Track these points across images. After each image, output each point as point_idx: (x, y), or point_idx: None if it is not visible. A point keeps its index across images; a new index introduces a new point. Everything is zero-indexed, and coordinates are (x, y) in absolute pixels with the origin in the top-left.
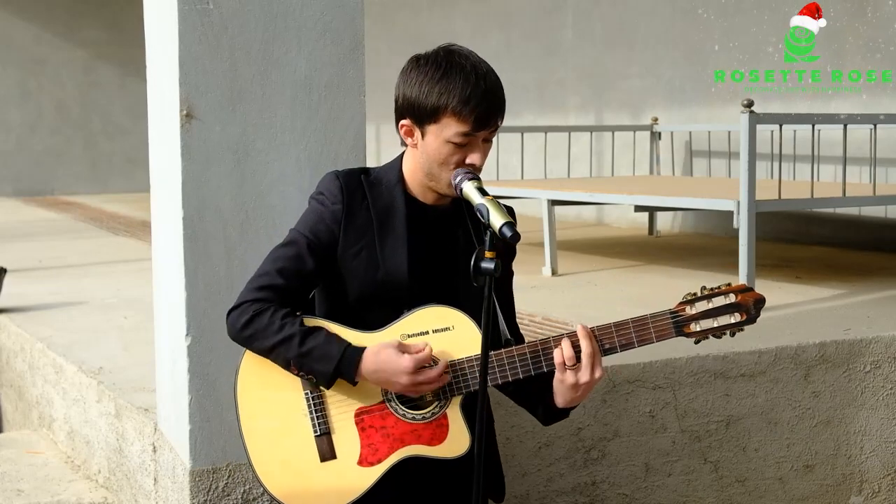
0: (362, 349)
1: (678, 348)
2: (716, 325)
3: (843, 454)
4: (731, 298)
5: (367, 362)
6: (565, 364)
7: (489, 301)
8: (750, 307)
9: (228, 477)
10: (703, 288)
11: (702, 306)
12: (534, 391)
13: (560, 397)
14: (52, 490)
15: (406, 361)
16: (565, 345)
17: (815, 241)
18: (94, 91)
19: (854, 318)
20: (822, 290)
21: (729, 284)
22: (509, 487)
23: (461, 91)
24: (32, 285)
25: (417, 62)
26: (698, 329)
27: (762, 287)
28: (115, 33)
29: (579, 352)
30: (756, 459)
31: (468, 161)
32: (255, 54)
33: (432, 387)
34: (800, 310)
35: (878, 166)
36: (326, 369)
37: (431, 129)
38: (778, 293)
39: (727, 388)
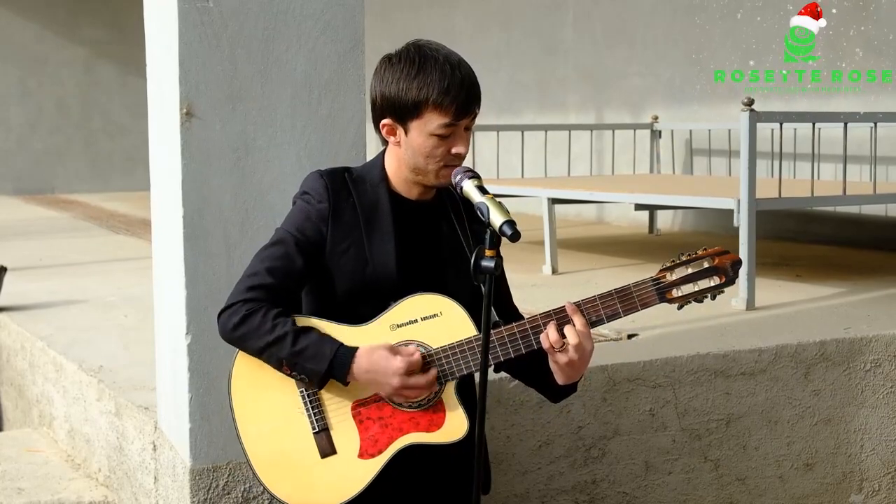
0: (355, 349)
1: (679, 347)
2: (696, 289)
3: (844, 452)
4: (709, 262)
5: (360, 361)
6: (553, 347)
7: (489, 300)
8: (727, 269)
9: (229, 475)
10: (682, 253)
11: (681, 272)
12: (536, 371)
13: (559, 376)
14: (53, 488)
15: (398, 362)
16: (550, 329)
17: (816, 239)
18: (94, 90)
19: (854, 317)
20: (823, 288)
21: (706, 249)
22: (509, 486)
23: (439, 83)
24: (33, 284)
25: (390, 61)
26: (680, 294)
27: (763, 286)
28: (116, 32)
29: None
30: (756, 458)
31: (453, 151)
32: (255, 52)
33: (420, 393)
34: (800, 308)
35: (879, 165)
36: (319, 368)
37: (414, 125)
38: (778, 291)
39: (727, 386)
